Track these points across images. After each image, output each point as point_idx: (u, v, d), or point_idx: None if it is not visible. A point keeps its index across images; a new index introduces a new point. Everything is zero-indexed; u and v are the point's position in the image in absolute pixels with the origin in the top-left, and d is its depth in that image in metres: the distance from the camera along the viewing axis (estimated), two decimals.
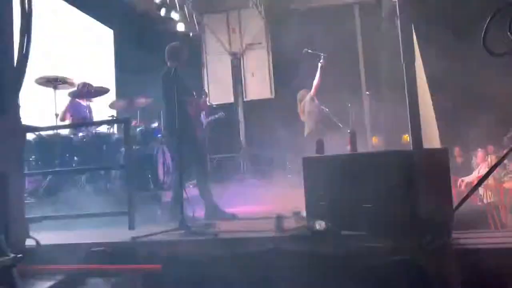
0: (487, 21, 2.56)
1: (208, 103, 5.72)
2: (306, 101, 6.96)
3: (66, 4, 7.76)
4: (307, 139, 6.84)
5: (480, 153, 7.10)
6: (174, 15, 8.53)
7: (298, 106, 7.16)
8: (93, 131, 5.39)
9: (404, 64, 2.83)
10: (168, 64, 4.48)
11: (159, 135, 5.79)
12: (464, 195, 5.89)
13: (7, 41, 3.46)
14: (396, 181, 2.88)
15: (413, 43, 2.84)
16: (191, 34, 9.26)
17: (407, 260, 2.62)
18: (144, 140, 5.67)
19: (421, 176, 2.82)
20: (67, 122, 5.63)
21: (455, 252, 2.63)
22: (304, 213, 3.48)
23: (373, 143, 7.97)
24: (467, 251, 2.67)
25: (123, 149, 5.32)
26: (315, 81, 6.74)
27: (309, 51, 6.39)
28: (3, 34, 3.42)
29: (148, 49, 8.49)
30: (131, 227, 3.63)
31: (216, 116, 7.22)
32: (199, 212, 4.36)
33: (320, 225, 2.93)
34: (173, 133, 4.57)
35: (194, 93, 4.81)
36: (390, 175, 2.88)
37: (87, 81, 5.65)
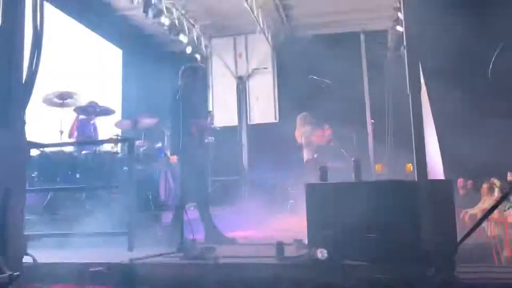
0: (494, 56, 2.58)
1: (211, 126, 5.67)
2: (308, 129, 6.99)
3: (76, 22, 7.90)
4: (306, 165, 6.86)
5: (484, 185, 7.03)
6: (183, 38, 8.66)
7: (297, 129, 7.18)
8: (97, 149, 5.39)
9: (410, 95, 2.84)
10: (180, 82, 4.49)
11: (162, 155, 5.79)
12: (467, 227, 5.82)
13: (17, 57, 3.50)
14: (400, 211, 2.85)
15: (419, 73, 2.85)
16: (198, 57, 9.38)
17: None
18: (147, 160, 5.67)
19: (426, 208, 2.79)
20: (73, 139, 5.66)
21: (459, 286, 2.57)
22: (305, 241, 3.43)
23: (377, 171, 7.94)
24: (472, 285, 2.61)
25: (126, 168, 5.32)
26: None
27: (315, 77, 6.45)
28: (14, 50, 3.46)
29: (156, 70, 8.61)
30: (130, 248, 3.58)
31: (206, 140, 7.17)
32: (199, 235, 4.30)
33: (322, 253, 2.88)
34: (175, 152, 4.58)
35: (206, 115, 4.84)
36: (395, 205, 2.85)
37: (94, 100, 5.71)
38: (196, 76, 4.63)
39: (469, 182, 7.20)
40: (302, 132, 6.98)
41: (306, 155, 7.01)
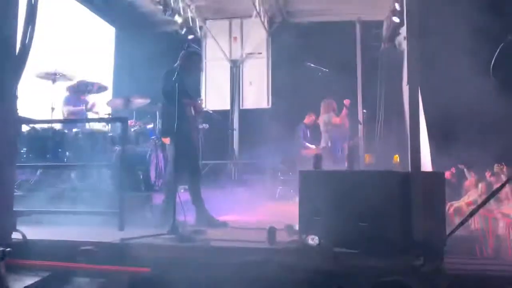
0: (496, 54, 2.58)
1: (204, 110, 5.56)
2: (328, 116, 7.02)
3: None
4: (322, 151, 6.93)
5: (471, 178, 7.14)
6: (177, 18, 8.52)
7: (320, 115, 7.18)
8: (88, 127, 5.33)
9: (408, 86, 2.84)
10: (177, 64, 4.39)
11: (153, 137, 5.75)
12: (452, 219, 5.89)
13: (10, 30, 3.43)
14: (392, 201, 2.89)
15: (419, 66, 2.86)
16: (189, 37, 9.20)
17: (398, 281, 2.62)
18: (138, 140, 5.63)
19: (417, 198, 2.84)
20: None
21: (447, 277, 2.63)
22: (297, 227, 3.46)
23: (366, 161, 8.01)
24: (458, 276, 2.67)
25: (116, 147, 5.28)
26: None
27: (311, 65, 6.45)
28: (7, 23, 3.39)
29: (149, 50, 8.47)
30: (120, 228, 3.57)
31: (201, 126, 7.16)
32: (189, 218, 4.30)
33: (313, 240, 2.92)
34: (169, 133, 4.53)
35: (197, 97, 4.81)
36: (387, 195, 2.88)
37: (86, 79, 5.63)
38: (196, 63, 4.63)
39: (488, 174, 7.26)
40: (323, 118, 7.01)
41: (322, 141, 7.08)
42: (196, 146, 4.70)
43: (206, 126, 7.25)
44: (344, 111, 7.02)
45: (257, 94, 9.63)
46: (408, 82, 2.83)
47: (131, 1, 8.83)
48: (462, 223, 2.80)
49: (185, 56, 4.37)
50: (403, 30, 8.52)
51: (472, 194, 7.11)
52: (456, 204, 7.11)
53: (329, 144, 6.85)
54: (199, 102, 4.99)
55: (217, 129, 8.47)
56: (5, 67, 3.33)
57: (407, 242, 2.76)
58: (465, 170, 7.55)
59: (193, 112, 4.47)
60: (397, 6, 8.06)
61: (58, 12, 7.03)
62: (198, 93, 8.93)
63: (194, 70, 4.65)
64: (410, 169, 2.87)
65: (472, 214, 2.82)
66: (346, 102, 7.24)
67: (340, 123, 7.24)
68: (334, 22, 9.41)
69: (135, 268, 2.95)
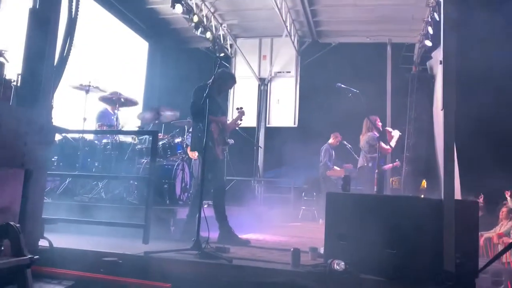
0: None
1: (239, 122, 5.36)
2: (376, 138, 6.85)
3: (106, 12, 7.95)
4: (359, 171, 6.78)
5: (504, 208, 6.88)
6: (209, 36, 8.67)
7: (362, 132, 7.01)
8: (117, 139, 5.41)
9: (443, 111, 2.77)
10: (209, 80, 4.40)
11: (180, 151, 5.78)
12: (481, 250, 5.63)
13: (51, 41, 3.54)
14: (423, 229, 2.79)
15: (455, 90, 2.79)
16: (220, 55, 9.32)
17: None
18: (166, 154, 5.67)
19: (450, 228, 2.73)
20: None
21: None
22: (321, 250, 3.39)
23: (393, 185, 7.85)
24: None
25: (143, 160, 5.33)
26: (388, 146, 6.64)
27: (342, 85, 6.41)
28: (48, 35, 3.50)
29: (180, 65, 8.64)
30: (145, 240, 3.57)
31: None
32: (212, 234, 4.27)
33: (339, 265, 2.84)
34: (196, 148, 4.55)
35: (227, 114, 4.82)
36: (418, 223, 2.78)
37: (118, 91, 5.74)
38: (229, 86, 4.69)
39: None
40: (366, 136, 6.81)
41: (361, 160, 6.87)
42: (223, 162, 4.69)
43: (231, 141, 7.25)
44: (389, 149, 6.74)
45: (284, 113, 9.65)
46: (443, 107, 2.76)
47: (164, 17, 9.06)
48: (496, 258, 2.67)
49: (221, 76, 4.39)
50: (435, 54, 8.43)
51: (504, 225, 6.85)
52: (486, 234, 6.87)
53: (370, 165, 6.63)
54: (239, 111, 4.93)
55: (242, 146, 8.49)
56: (44, 79, 3.43)
57: (437, 272, 2.65)
58: (508, 198, 7.28)
59: (220, 128, 4.49)
60: (430, 29, 7.99)
61: (95, 25, 7.25)
62: (226, 109, 8.98)
63: (224, 91, 4.69)
64: (442, 197, 2.78)
65: (507, 249, 2.68)
66: (397, 164, 7.39)
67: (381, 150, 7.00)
68: (364, 43, 9.40)
69: (157, 283, 2.93)
